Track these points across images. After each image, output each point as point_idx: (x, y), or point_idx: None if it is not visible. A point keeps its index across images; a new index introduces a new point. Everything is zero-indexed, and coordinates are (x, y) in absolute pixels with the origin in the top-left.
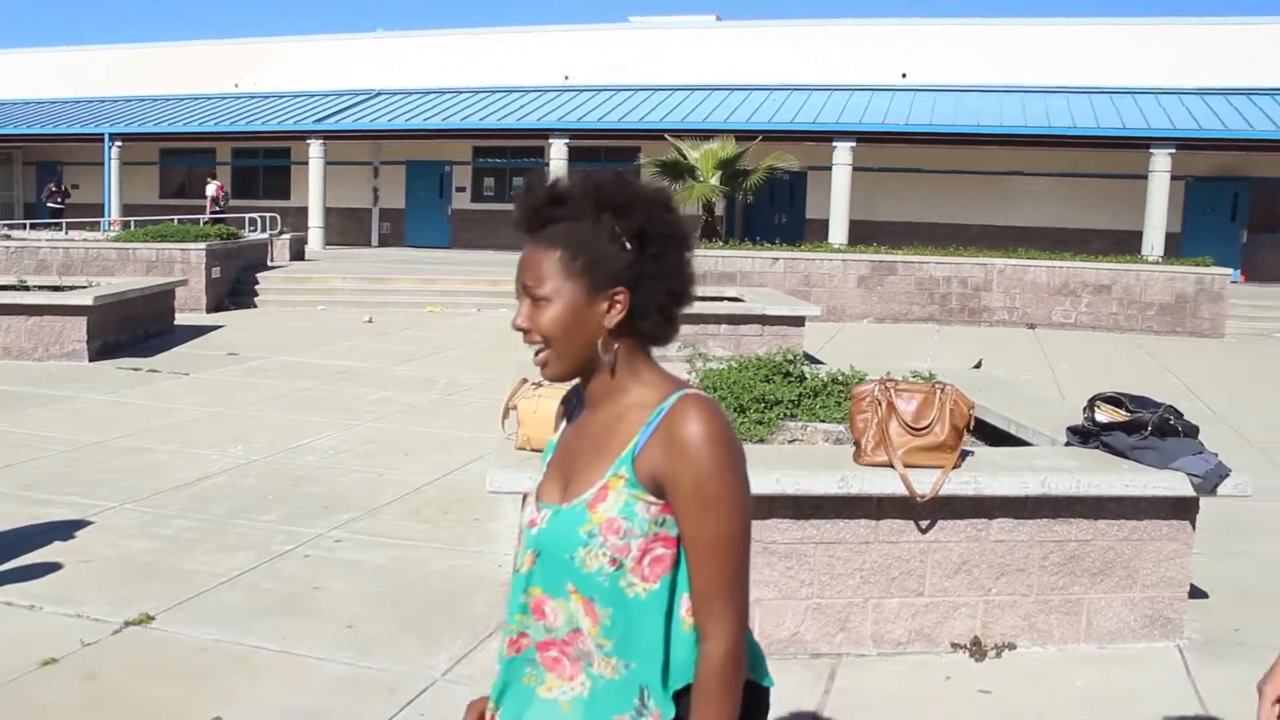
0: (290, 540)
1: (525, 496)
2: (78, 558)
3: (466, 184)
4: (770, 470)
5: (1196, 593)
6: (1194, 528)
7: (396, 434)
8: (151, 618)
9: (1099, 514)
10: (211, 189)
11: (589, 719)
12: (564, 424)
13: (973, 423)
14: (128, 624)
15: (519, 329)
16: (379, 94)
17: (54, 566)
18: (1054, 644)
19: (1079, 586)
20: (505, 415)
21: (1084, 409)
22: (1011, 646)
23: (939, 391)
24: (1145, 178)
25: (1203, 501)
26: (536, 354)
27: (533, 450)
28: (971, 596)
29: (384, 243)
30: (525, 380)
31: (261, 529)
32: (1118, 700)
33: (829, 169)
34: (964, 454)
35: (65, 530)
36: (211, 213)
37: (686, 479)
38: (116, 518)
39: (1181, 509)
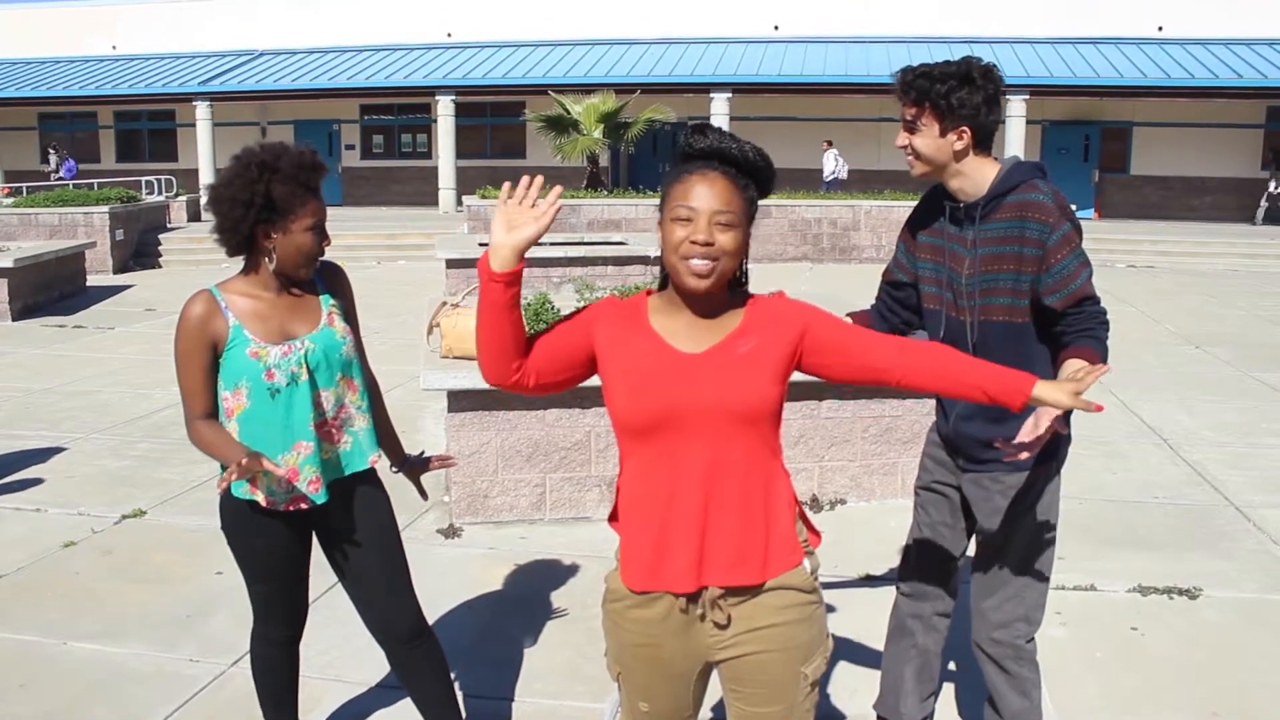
0: None
1: (449, 397)
2: (63, 474)
3: (355, 142)
4: None
5: None
6: None
7: None
8: (144, 512)
9: (906, 394)
10: None
11: None
12: None
13: None
14: (125, 517)
15: None
16: (263, 54)
17: (43, 480)
18: (876, 499)
19: (894, 453)
20: (430, 332)
21: None
22: (843, 501)
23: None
24: (1004, 122)
25: None
26: None
27: (455, 358)
28: (809, 463)
29: None
30: (445, 303)
31: None
32: None
33: (708, 119)
34: None
35: (43, 456)
36: None
37: None
38: (86, 444)
39: None
